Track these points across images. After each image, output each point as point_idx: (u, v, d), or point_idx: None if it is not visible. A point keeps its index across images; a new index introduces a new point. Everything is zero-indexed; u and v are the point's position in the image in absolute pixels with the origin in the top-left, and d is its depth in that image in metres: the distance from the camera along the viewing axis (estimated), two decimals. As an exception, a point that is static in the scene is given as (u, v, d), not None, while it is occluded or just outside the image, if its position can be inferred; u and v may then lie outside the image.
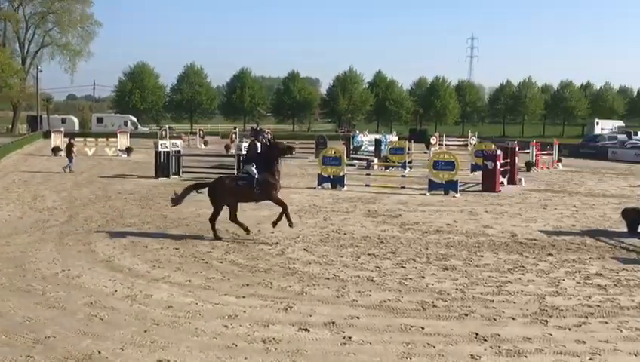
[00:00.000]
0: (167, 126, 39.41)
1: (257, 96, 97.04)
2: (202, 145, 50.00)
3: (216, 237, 12.65)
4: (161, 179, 24.29)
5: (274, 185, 12.61)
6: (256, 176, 12.53)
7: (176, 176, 24.97)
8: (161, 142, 26.17)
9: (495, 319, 7.95)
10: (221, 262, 10.83)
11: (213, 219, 12.86)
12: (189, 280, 9.61)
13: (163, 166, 25.00)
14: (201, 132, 55.12)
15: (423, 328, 7.53)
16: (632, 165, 37.87)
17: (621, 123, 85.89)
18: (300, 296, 8.88)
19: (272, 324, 7.60)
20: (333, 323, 7.66)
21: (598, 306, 8.60)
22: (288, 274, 10.10)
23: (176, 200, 13.25)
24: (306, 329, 7.42)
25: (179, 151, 26.29)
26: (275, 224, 12.71)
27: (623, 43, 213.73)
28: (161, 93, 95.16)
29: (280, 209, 12.62)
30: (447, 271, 10.47)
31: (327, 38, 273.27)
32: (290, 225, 12.61)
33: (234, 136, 45.93)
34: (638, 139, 56.88)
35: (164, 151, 25.14)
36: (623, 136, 59.23)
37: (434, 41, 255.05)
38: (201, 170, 25.48)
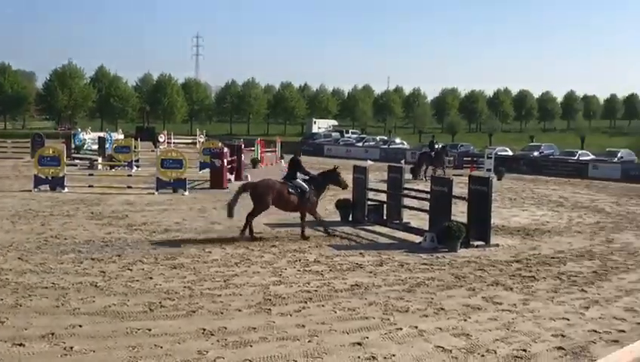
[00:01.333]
0: None
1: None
2: None
3: (251, 236, 13.20)
4: None
5: (316, 202, 14.01)
6: (307, 191, 13.60)
7: None
8: None
9: (222, 313, 8.14)
10: None
11: (253, 216, 13.34)
12: None
13: None
14: None
15: (150, 329, 7.39)
16: (343, 160, 41.59)
17: (335, 122, 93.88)
18: (14, 308, 8.10)
19: (-20, 344, 6.82)
20: (52, 334, 7.13)
21: (316, 291, 9.31)
22: (-1, 286, 9.15)
23: (230, 210, 13.32)
24: (20, 344, 6.80)
25: None
26: (304, 236, 13.50)
27: (336, 47, 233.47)
28: None
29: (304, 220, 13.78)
30: (175, 269, 10.43)
31: (42, 27, 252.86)
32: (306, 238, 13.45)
33: None
34: (349, 137, 62.71)
35: None
36: (336, 134, 64.91)
37: (159, 38, 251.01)
38: None
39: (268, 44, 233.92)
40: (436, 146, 31.31)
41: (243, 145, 28.60)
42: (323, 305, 8.61)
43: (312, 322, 7.84)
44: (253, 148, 34.57)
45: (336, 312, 8.32)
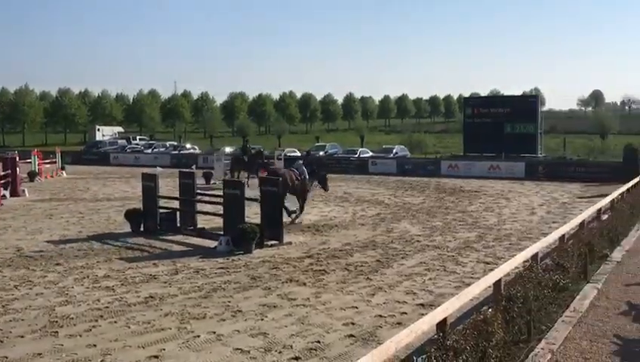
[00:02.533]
0: None
1: None
2: None
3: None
4: None
5: (306, 190, 17.28)
6: (306, 176, 17.02)
7: None
8: None
9: (2, 341, 7.44)
10: None
11: None
12: None
13: None
14: None
15: None
16: (132, 168, 40.16)
17: (120, 129, 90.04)
18: None
19: None
20: None
21: (107, 307, 8.87)
22: None
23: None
24: None
25: None
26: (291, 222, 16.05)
27: (115, 47, 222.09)
28: None
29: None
30: (-59, 300, 9.30)
31: None
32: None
33: None
34: (137, 144, 60.53)
35: None
36: (123, 142, 62.23)
37: None
38: None
39: (40, 45, 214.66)
40: (252, 150, 30.53)
41: (18, 158, 26.30)
42: (116, 322, 8.23)
43: (104, 340, 7.46)
44: (29, 160, 32.00)
45: (130, 327, 8.00)
